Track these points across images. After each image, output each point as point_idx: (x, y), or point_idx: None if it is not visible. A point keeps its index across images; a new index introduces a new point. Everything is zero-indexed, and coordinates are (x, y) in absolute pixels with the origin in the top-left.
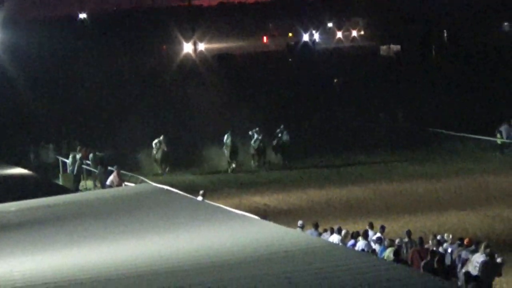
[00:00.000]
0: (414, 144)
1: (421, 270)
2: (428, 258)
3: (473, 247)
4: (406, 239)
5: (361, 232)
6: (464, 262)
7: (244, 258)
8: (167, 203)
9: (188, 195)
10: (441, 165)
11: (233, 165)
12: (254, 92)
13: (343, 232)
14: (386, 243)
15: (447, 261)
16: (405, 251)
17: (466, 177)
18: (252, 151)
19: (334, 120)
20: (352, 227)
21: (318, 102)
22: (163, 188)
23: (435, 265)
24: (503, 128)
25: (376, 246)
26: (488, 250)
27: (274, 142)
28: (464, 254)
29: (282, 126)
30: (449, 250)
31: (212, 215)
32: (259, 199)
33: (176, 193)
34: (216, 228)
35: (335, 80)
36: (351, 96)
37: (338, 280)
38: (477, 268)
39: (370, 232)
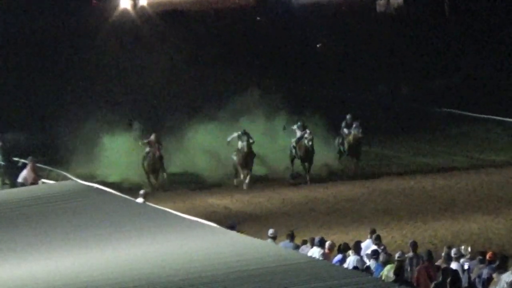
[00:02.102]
0: (422, 128)
1: None
2: (440, 277)
3: (497, 263)
4: (410, 253)
5: (351, 244)
6: (487, 282)
7: (194, 279)
8: (96, 206)
9: (125, 196)
10: (456, 155)
11: (248, 177)
12: (214, 61)
13: (327, 244)
14: (382, 258)
15: (464, 281)
16: (409, 268)
17: (489, 171)
18: (293, 153)
19: (317, 96)
20: (340, 238)
21: (296, 73)
22: (91, 187)
23: (449, 287)
24: None
25: (371, 262)
26: None
27: (339, 141)
28: (486, 272)
29: (348, 116)
30: (466, 266)
31: (155, 221)
32: (218, 201)
33: (109, 193)
34: (159, 239)
35: (318, 45)
36: (339, 65)
37: None
38: None
39: (369, 242)
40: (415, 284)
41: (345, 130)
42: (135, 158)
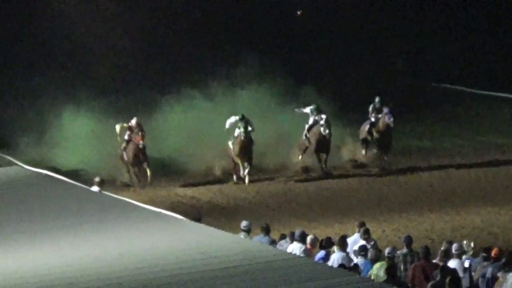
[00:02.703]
0: (419, 107)
1: None
2: (438, 277)
3: (503, 260)
4: (404, 249)
5: (336, 239)
6: (491, 282)
7: (153, 278)
8: (45, 194)
9: (78, 184)
10: (458, 139)
11: (247, 169)
12: (191, 30)
13: (309, 238)
14: (371, 254)
15: (466, 281)
16: (402, 266)
17: (493, 156)
18: (306, 142)
19: (297, 70)
20: (323, 232)
21: (273, 44)
22: (40, 173)
23: (448, 287)
24: None
25: (359, 260)
26: None
27: (367, 128)
28: (490, 271)
29: (377, 100)
30: (467, 264)
31: (111, 212)
32: (184, 190)
33: (60, 180)
34: (115, 232)
35: (299, 12)
36: (322, 35)
37: None
38: None
39: (356, 237)
40: (409, 284)
41: (373, 116)
42: (101, 142)
